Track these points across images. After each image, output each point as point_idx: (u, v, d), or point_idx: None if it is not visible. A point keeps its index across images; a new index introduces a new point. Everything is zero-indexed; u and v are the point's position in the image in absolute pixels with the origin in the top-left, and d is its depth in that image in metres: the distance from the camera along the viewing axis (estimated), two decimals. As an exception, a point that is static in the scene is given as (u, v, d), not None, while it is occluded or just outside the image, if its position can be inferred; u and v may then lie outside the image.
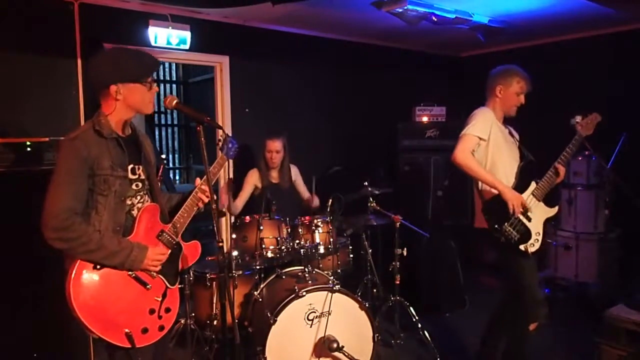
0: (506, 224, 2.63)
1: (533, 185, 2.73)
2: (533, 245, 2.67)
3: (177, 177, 8.95)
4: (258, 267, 3.20)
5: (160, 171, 3.19)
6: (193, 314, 3.36)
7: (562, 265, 4.57)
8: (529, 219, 2.68)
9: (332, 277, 3.12)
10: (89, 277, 1.82)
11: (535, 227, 2.69)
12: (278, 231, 3.20)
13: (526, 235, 2.67)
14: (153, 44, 3.82)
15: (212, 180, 2.23)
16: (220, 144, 2.35)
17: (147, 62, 1.98)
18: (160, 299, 1.98)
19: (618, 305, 3.14)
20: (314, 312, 2.87)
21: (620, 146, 4.17)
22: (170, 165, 8.68)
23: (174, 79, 8.63)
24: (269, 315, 2.80)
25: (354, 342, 2.90)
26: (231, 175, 4.28)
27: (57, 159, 1.86)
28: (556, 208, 2.81)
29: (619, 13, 4.17)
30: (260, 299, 3.11)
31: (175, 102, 2.03)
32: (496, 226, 2.63)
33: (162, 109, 8.35)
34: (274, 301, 2.89)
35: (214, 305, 3.27)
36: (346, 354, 2.82)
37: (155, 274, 1.97)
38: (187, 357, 3.25)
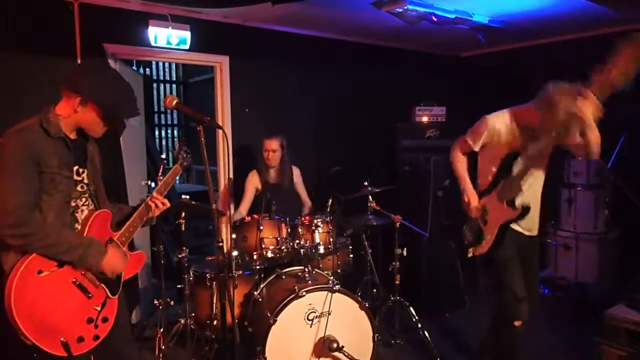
0: (465, 225, 2.76)
1: (501, 184, 2.64)
2: (477, 249, 2.72)
3: (177, 177, 8.95)
4: (258, 267, 3.20)
5: (160, 171, 3.20)
6: (193, 314, 3.36)
7: (562, 265, 4.57)
8: (485, 222, 2.69)
9: (332, 277, 3.12)
10: (32, 281, 1.76)
11: (488, 230, 2.68)
12: (278, 231, 3.20)
13: (478, 237, 2.72)
14: (153, 44, 3.82)
15: (165, 191, 2.23)
16: (176, 153, 2.39)
17: (125, 108, 1.94)
18: (99, 308, 1.94)
19: (618, 305, 3.14)
20: (314, 312, 2.87)
21: (620, 146, 4.17)
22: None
23: (174, 79, 8.63)
24: (269, 315, 2.80)
25: (354, 342, 2.90)
26: (231, 176, 4.28)
27: (3, 153, 1.77)
28: (516, 211, 2.59)
29: (619, 13, 4.17)
30: (260, 299, 3.11)
31: (175, 102, 2.03)
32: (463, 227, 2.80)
33: (162, 109, 8.35)
34: (274, 301, 2.89)
35: (214, 305, 3.27)
36: (346, 354, 2.82)
37: (98, 283, 1.94)
38: (187, 357, 3.25)
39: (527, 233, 2.71)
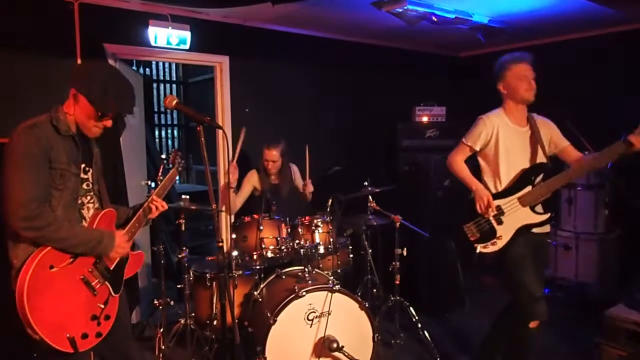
0: (471, 222, 2.75)
1: (527, 189, 2.65)
2: (486, 247, 2.71)
3: (177, 177, 8.95)
4: (258, 267, 3.20)
5: (160, 171, 3.19)
6: (193, 314, 3.36)
7: (562, 265, 4.57)
8: (500, 222, 2.68)
9: (332, 277, 3.12)
10: (44, 277, 1.78)
11: (502, 230, 2.67)
12: (278, 231, 3.20)
13: (488, 236, 2.70)
14: (153, 44, 3.82)
15: (163, 194, 2.27)
16: (172, 159, 2.45)
17: (118, 103, 1.93)
18: (103, 306, 1.97)
19: (618, 305, 3.15)
20: (314, 312, 2.87)
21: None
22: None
23: (174, 79, 8.62)
24: (269, 315, 2.80)
25: (354, 342, 2.90)
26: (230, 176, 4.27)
27: (15, 147, 1.80)
28: (542, 216, 2.67)
29: (619, 13, 4.17)
30: (260, 299, 3.11)
31: (175, 102, 2.04)
32: (463, 223, 2.79)
33: (162, 109, 8.34)
34: (274, 301, 2.89)
35: (214, 305, 3.27)
36: (346, 354, 2.82)
37: (103, 280, 1.98)
38: (187, 357, 3.25)
39: (539, 231, 2.71)
